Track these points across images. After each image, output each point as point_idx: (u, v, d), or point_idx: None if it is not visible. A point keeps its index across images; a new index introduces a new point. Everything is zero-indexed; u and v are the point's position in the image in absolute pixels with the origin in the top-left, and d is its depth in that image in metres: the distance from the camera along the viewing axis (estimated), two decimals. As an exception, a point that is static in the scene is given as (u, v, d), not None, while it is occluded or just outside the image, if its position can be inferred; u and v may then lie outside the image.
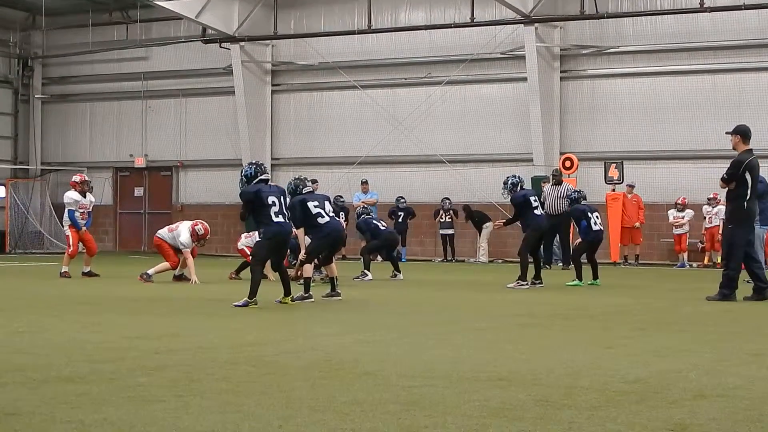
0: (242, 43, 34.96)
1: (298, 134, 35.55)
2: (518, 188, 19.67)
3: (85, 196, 21.86)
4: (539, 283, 19.45)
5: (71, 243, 21.57)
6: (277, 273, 15.59)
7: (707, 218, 29.12)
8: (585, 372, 8.21)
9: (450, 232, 31.93)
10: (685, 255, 29.60)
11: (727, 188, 16.02)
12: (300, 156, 35.11)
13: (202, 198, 36.48)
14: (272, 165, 35.53)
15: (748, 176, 15.70)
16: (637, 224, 29.78)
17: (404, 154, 33.64)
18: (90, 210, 22.18)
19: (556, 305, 15.49)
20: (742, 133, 16.09)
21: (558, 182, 27.78)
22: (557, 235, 27.72)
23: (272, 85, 36.14)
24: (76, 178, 22.22)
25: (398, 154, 33.74)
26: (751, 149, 16.02)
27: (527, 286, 18.95)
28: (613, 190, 29.80)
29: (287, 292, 14.90)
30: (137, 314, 13.46)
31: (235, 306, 14.22)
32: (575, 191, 21.91)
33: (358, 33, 33.94)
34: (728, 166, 15.97)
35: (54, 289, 18.41)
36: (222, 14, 34.49)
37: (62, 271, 21.30)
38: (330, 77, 35.02)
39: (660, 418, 6.30)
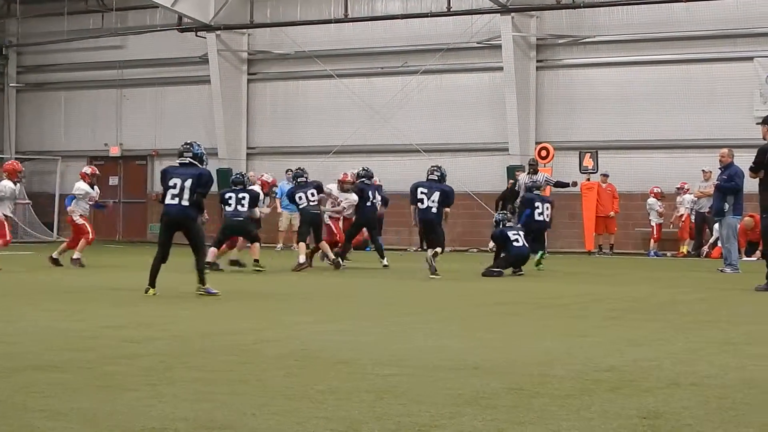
0: (218, 32, 34.87)
1: (274, 123, 35.49)
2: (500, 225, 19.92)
3: (93, 188, 22.07)
4: (520, 272, 19.60)
5: (89, 230, 21.67)
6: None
7: (677, 207, 29.28)
8: (559, 360, 8.23)
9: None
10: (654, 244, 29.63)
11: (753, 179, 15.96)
12: (276, 145, 35.05)
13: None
14: (248, 154, 35.48)
15: None
16: (612, 213, 29.84)
17: (380, 144, 33.63)
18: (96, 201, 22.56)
19: (531, 294, 15.54)
20: None
21: (534, 171, 27.76)
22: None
23: (248, 74, 36.06)
24: (87, 170, 22.54)
25: (374, 143, 33.72)
26: None
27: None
28: (588, 179, 29.87)
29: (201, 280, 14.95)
30: (111, 303, 13.42)
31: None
32: (533, 181, 22.16)
33: (335, 22, 33.90)
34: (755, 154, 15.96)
35: (28, 277, 18.34)
36: (198, 3, 34.39)
37: (74, 257, 21.26)
38: (306, 66, 34.96)
39: (633, 407, 6.32)
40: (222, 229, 20.86)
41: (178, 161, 15.11)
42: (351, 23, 33.89)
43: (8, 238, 20.92)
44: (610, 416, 6.04)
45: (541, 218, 20.97)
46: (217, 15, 34.63)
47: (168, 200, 14.71)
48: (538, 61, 32.28)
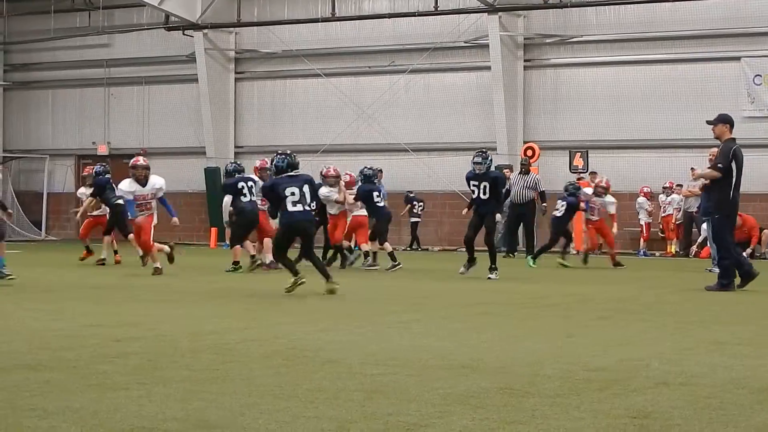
0: (205, 31, 34.84)
1: (262, 122, 35.48)
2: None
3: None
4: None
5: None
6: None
7: (662, 207, 29.34)
8: (548, 360, 8.23)
9: (417, 220, 32.12)
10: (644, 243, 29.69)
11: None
12: (264, 144, 35.01)
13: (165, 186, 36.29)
14: (236, 153, 35.43)
15: (733, 165, 15.69)
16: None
17: (368, 143, 33.64)
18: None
19: (519, 294, 15.55)
20: (728, 121, 16.09)
21: (526, 171, 27.84)
22: (521, 224, 27.77)
23: (236, 72, 36.04)
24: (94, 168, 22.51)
25: (362, 142, 33.73)
26: (734, 138, 16.02)
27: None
28: (579, 179, 29.88)
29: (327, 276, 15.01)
30: (97, 302, 13.39)
31: (287, 290, 14.60)
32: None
33: (322, 21, 33.90)
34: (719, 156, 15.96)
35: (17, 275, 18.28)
36: (185, 1, 34.37)
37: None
38: (294, 65, 34.96)
39: (622, 406, 6.33)
40: (245, 223, 20.11)
41: (285, 175, 14.98)
42: (338, 22, 33.88)
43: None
44: (600, 416, 6.05)
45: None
46: (204, 14, 34.61)
47: (291, 208, 14.77)
48: (525, 60, 32.32)
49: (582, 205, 22.99)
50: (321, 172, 21.39)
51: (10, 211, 20.08)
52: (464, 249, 19.24)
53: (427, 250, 31.82)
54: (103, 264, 21.71)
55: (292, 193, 14.80)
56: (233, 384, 7.02)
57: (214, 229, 33.55)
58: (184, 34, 35.07)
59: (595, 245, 23.94)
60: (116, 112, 37.62)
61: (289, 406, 6.25)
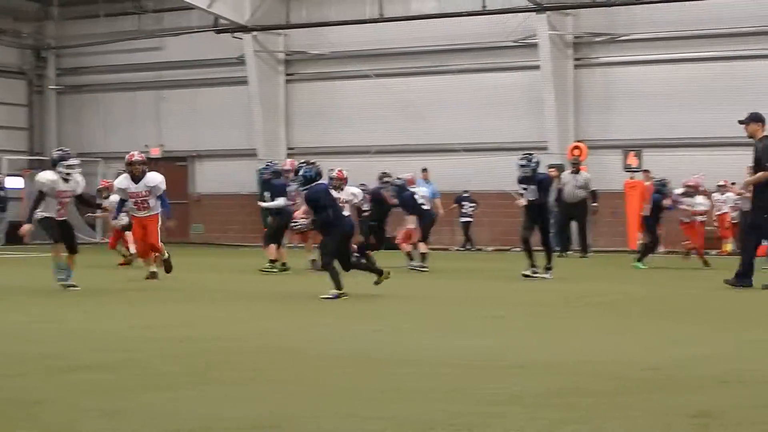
0: (254, 33, 34.93)
1: (313, 123, 35.50)
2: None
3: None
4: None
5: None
6: None
7: (717, 206, 29.05)
8: (602, 359, 8.18)
9: (469, 219, 32.01)
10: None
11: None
12: (315, 145, 35.01)
13: (217, 188, 36.48)
14: (288, 155, 35.48)
15: None
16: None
17: (417, 143, 33.57)
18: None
19: (569, 293, 15.41)
20: (760, 119, 15.99)
21: (576, 171, 27.71)
22: (573, 223, 27.64)
23: (286, 74, 36.11)
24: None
25: (411, 143, 33.67)
26: (767, 135, 15.93)
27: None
28: (632, 177, 29.69)
29: (379, 272, 14.97)
30: (149, 304, 13.47)
31: (324, 299, 13.91)
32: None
33: (370, 22, 33.88)
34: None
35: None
36: (234, 4, 34.46)
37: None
38: (342, 66, 34.97)
39: (681, 405, 6.26)
40: (284, 224, 20.11)
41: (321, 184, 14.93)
42: (387, 23, 33.85)
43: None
44: (657, 415, 6.00)
45: None
46: (253, 16, 34.70)
47: (344, 215, 15.05)
48: (575, 59, 32.15)
49: (665, 202, 22.44)
50: (329, 174, 21.03)
51: (104, 206, 19.91)
52: (519, 249, 19.10)
53: (480, 250, 31.74)
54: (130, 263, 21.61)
55: (337, 201, 15.02)
56: (302, 385, 7.03)
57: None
58: (233, 36, 35.18)
59: (696, 244, 23.23)
60: (167, 115, 37.80)
61: (356, 407, 6.26)
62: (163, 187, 18.07)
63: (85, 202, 17.78)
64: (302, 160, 15.56)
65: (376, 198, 20.97)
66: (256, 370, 7.64)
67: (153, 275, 17.82)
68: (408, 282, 17.68)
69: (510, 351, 8.69)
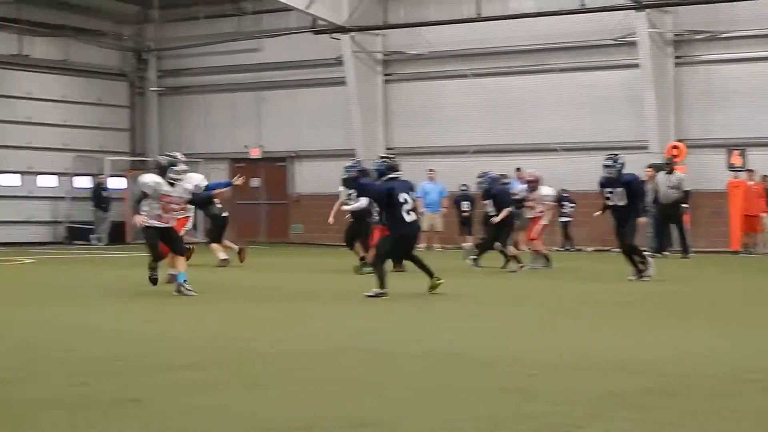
0: (352, 34, 35.04)
1: (412, 124, 35.50)
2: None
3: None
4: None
5: None
6: None
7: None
8: (704, 360, 8.07)
9: (568, 219, 31.79)
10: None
11: None
12: (414, 146, 35.04)
13: (316, 188, 36.65)
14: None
15: None
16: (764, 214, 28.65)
17: (516, 143, 33.42)
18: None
19: (661, 293, 15.17)
20: None
21: (670, 170, 27.36)
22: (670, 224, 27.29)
23: (384, 74, 36.19)
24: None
25: (510, 142, 33.54)
26: None
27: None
28: (735, 177, 29.22)
29: (431, 274, 14.70)
30: (250, 303, 13.57)
31: (367, 296, 13.92)
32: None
33: (468, 21, 33.80)
34: None
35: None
36: (331, 4, 34.61)
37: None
38: (440, 66, 34.93)
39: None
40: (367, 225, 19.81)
41: (392, 175, 14.72)
42: (484, 22, 33.75)
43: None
44: (765, 418, 5.89)
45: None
46: (351, 17, 34.82)
47: (407, 218, 14.40)
48: (676, 57, 31.76)
49: None
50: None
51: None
52: (618, 250, 18.81)
53: (580, 250, 31.50)
54: (225, 265, 21.55)
55: (405, 201, 14.38)
56: (388, 384, 7.03)
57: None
58: (331, 37, 35.33)
59: None
60: (266, 115, 38.08)
61: (448, 407, 6.24)
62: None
63: (199, 204, 17.57)
64: (381, 155, 15.37)
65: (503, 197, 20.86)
66: (357, 370, 7.66)
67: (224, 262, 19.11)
68: (489, 282, 17.61)
69: (606, 351, 8.61)
